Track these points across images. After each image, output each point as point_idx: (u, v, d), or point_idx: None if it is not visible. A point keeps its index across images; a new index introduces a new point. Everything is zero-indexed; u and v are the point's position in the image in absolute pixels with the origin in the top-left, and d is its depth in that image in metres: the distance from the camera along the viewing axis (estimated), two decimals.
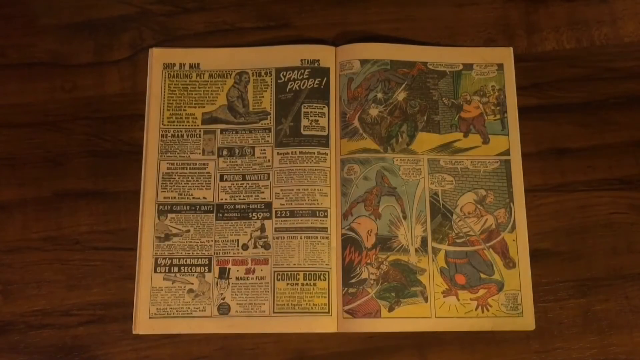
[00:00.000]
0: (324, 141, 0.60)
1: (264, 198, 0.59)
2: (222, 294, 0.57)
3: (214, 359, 0.56)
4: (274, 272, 0.57)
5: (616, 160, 0.60)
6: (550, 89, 0.62)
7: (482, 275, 0.58)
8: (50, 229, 0.59)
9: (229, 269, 0.58)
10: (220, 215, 0.59)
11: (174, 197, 0.59)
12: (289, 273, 0.57)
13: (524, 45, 0.63)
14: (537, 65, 0.62)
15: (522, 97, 0.61)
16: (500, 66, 0.62)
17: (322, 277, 0.57)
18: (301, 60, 0.62)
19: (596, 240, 0.58)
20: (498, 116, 0.61)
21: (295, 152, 0.60)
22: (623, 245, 0.58)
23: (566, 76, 0.62)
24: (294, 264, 0.57)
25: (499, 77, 0.62)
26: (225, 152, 0.60)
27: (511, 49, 0.62)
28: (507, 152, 0.60)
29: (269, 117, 0.61)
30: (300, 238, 0.58)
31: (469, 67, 0.62)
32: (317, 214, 0.58)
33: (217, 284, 0.57)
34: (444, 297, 0.57)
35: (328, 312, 0.57)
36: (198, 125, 0.61)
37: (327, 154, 0.60)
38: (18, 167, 0.60)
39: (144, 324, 0.56)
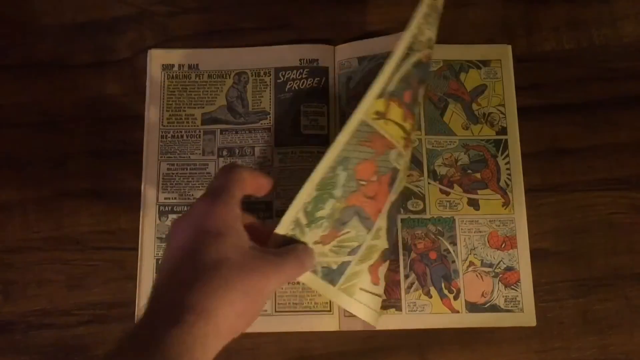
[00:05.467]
0: (323, 140, 0.60)
1: (265, 198, 0.59)
2: None
3: (213, 359, 0.56)
4: None
5: (616, 160, 0.60)
6: (550, 89, 0.62)
7: None
8: (50, 229, 0.59)
9: None
10: None
11: (175, 198, 0.59)
12: None
13: (523, 45, 0.63)
14: (536, 66, 0.62)
15: (521, 97, 0.61)
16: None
17: None
18: (300, 59, 0.62)
19: (596, 240, 0.58)
20: None
21: (295, 151, 0.60)
22: (623, 245, 0.58)
23: (566, 76, 0.62)
24: None
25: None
26: (225, 152, 0.60)
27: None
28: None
29: (268, 116, 0.61)
30: None
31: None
32: None
33: None
34: None
35: (330, 311, 0.57)
36: (198, 126, 0.61)
37: None
38: (18, 167, 0.60)
39: None
